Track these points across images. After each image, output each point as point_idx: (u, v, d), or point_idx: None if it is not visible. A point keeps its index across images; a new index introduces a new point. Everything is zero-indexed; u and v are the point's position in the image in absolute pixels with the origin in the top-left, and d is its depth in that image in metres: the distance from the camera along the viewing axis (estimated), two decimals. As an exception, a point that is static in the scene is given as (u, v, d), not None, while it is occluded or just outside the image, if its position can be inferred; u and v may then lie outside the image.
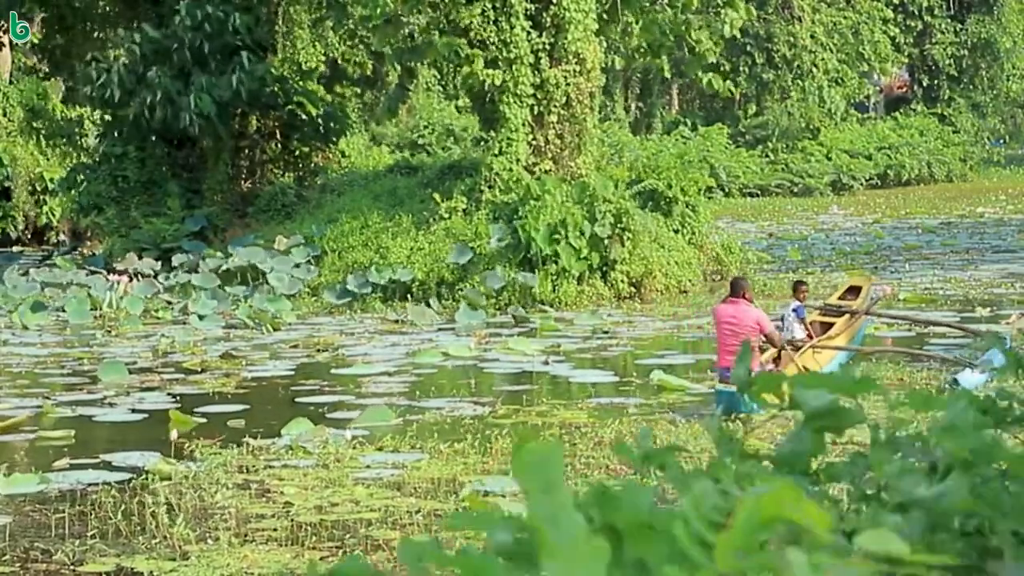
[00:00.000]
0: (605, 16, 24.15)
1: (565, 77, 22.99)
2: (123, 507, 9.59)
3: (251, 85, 26.07)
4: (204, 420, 12.84)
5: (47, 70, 34.64)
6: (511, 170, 22.60)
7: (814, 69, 53.56)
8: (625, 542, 1.15)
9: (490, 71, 22.26)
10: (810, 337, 14.74)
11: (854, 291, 17.16)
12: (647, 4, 24.49)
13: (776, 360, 14.22)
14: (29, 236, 36.27)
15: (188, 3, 25.91)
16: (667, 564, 1.11)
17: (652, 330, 19.09)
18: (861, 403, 1.94)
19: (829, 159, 53.23)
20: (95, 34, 31.96)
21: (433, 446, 11.35)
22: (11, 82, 36.95)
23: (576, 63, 23.06)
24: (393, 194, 24.72)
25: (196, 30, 25.95)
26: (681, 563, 1.11)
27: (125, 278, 23.72)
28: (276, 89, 27.31)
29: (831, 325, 15.58)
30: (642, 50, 25.53)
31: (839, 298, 17.06)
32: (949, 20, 59.87)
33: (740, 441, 1.68)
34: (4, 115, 35.98)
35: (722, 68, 48.12)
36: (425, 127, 46.23)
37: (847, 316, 15.70)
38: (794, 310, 14.81)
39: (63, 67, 32.16)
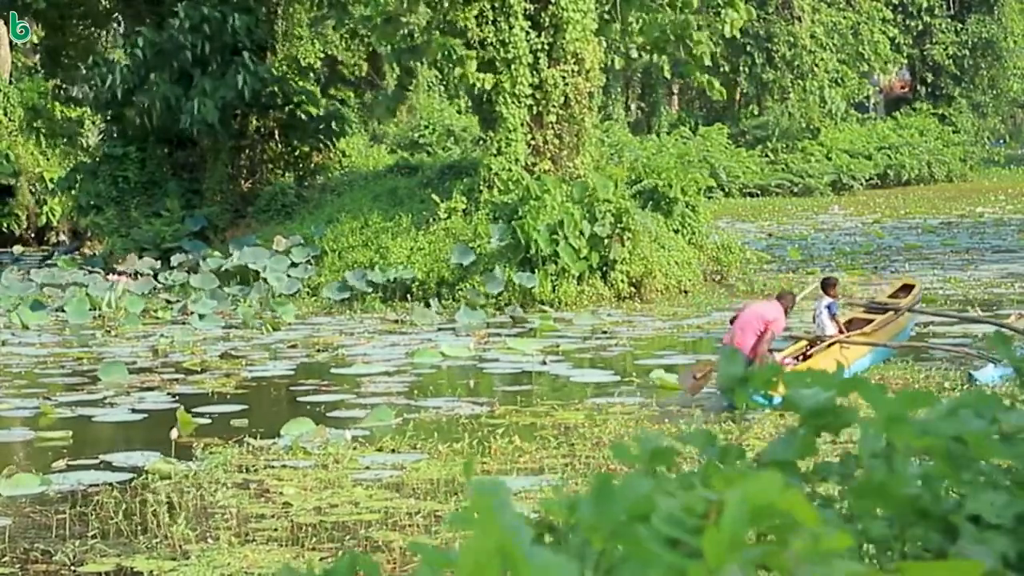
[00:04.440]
0: (606, 16, 24.13)
1: (564, 77, 22.98)
2: (124, 507, 9.60)
3: (254, 86, 26.07)
4: (209, 421, 12.84)
5: (40, 68, 34.55)
6: (510, 170, 22.59)
7: (814, 69, 53.52)
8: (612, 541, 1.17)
9: (481, 74, 22.22)
10: (841, 334, 14.67)
11: (907, 289, 17.11)
12: (648, 3, 24.45)
13: (803, 355, 14.21)
14: (30, 236, 36.25)
15: (186, 5, 25.86)
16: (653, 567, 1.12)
17: (652, 330, 19.09)
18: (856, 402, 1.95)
19: (829, 159, 53.18)
20: (93, 34, 31.91)
21: (432, 446, 11.36)
22: (11, 82, 36.91)
23: (575, 63, 23.04)
24: (393, 194, 24.70)
25: (195, 32, 25.92)
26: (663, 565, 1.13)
27: (124, 278, 23.70)
28: (276, 89, 27.29)
29: (872, 322, 15.49)
30: (647, 48, 25.48)
31: (890, 296, 16.99)
32: (949, 20, 59.82)
33: (731, 442, 1.70)
34: (5, 115, 35.94)
35: (722, 69, 48.22)
36: (425, 127, 46.18)
37: (889, 313, 15.60)
38: (827, 307, 14.77)
39: (59, 66, 32.10)
